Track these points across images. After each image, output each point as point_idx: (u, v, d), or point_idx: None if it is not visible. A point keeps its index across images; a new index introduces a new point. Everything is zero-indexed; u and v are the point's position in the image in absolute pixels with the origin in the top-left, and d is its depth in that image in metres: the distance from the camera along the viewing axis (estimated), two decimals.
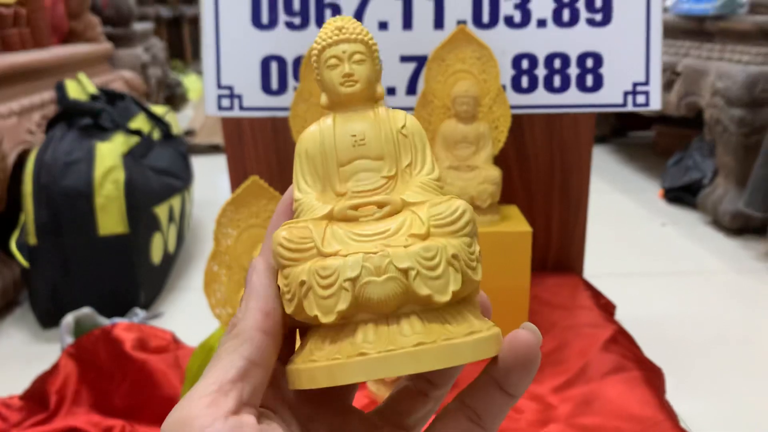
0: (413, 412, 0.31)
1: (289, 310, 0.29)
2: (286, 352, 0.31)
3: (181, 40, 4.85)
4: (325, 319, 0.27)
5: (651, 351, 0.88)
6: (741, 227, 1.71)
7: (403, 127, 0.32)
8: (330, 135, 0.32)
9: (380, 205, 0.30)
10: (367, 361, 0.26)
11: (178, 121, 1.94)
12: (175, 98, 3.71)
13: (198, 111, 3.38)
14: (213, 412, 0.25)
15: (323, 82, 0.32)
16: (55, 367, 1.03)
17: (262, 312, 0.28)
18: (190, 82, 4.07)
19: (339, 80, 0.32)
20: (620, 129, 2.87)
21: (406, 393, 0.31)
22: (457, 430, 0.28)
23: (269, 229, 0.32)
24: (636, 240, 1.77)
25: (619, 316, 1.00)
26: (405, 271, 0.27)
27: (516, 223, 0.84)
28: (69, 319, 1.14)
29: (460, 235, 0.29)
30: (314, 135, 0.32)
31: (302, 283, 0.28)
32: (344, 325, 0.28)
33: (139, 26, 2.89)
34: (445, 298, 0.27)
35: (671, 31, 2.03)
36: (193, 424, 0.25)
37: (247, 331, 0.27)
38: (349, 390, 0.32)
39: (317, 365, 0.27)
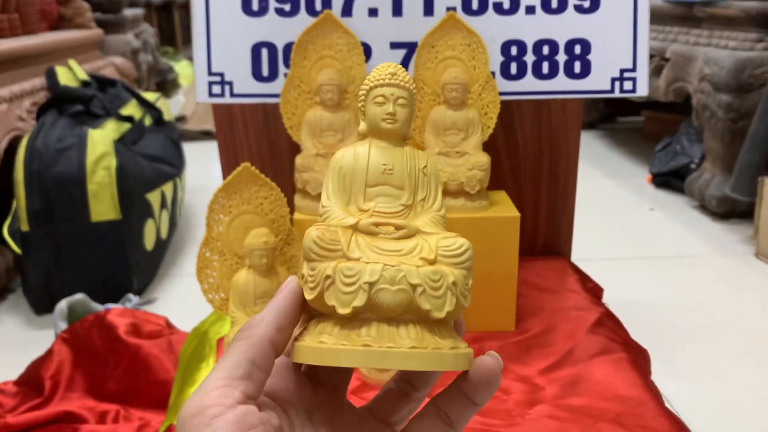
0: (396, 411, 0.35)
1: (309, 296, 0.33)
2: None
3: (172, 26, 4.83)
4: (341, 310, 0.32)
5: (638, 334, 0.89)
6: (727, 211, 1.73)
7: (424, 167, 0.38)
8: (364, 159, 0.37)
9: (398, 228, 0.35)
10: (369, 352, 0.31)
11: (170, 107, 1.94)
12: (167, 84, 3.69)
13: (189, 97, 3.37)
14: (223, 401, 0.29)
15: (366, 114, 0.38)
16: (49, 353, 1.04)
17: (275, 326, 0.32)
18: (181, 68, 4.05)
19: (382, 116, 0.37)
20: (609, 115, 2.88)
21: (391, 394, 0.36)
22: (431, 428, 0.34)
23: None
24: (624, 225, 1.79)
25: (607, 299, 1.02)
26: (414, 287, 0.32)
27: (504, 209, 0.86)
28: (62, 305, 1.15)
29: (461, 268, 0.34)
30: (349, 156, 0.37)
31: (327, 277, 0.32)
32: (351, 320, 0.32)
33: (129, 12, 2.87)
34: (441, 315, 0.33)
35: (660, 17, 2.04)
36: (206, 412, 0.29)
37: (257, 337, 0.31)
38: (343, 386, 0.36)
39: (326, 347, 0.32)
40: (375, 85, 0.38)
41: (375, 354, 0.31)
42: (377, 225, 0.35)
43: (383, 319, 0.32)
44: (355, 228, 0.35)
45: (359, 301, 0.32)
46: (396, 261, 0.33)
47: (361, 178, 0.36)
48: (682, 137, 2.02)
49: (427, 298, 0.32)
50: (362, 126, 0.38)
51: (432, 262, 0.34)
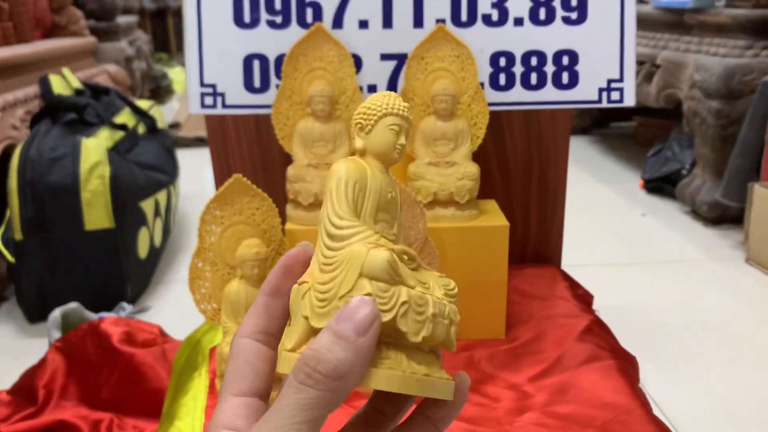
0: None
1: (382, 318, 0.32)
2: None
3: (166, 32, 4.83)
4: (413, 339, 0.32)
5: (630, 339, 0.90)
6: (718, 217, 1.75)
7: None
8: (378, 180, 0.36)
9: (411, 258, 0.35)
10: (429, 382, 0.32)
11: (164, 114, 1.95)
12: (161, 90, 3.70)
13: (183, 103, 3.38)
14: None
15: (374, 135, 0.37)
16: (42, 362, 1.04)
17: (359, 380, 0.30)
18: (175, 74, 4.06)
19: (396, 145, 0.37)
20: (602, 120, 2.90)
21: (360, 423, 0.35)
22: None
23: (271, 283, 0.35)
24: (616, 230, 1.80)
25: (599, 305, 1.03)
26: (452, 322, 0.34)
27: (494, 218, 0.86)
28: (56, 313, 1.15)
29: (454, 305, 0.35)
30: (363, 171, 0.36)
31: (404, 303, 0.32)
32: (396, 345, 0.32)
33: (122, 19, 2.88)
34: (454, 350, 0.35)
35: (651, 24, 2.06)
36: None
37: (342, 393, 0.29)
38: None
39: (395, 373, 0.31)
40: (393, 113, 0.37)
41: (430, 384, 0.32)
42: (403, 252, 0.35)
43: (412, 348, 0.33)
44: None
45: (426, 331, 0.32)
46: (438, 295, 0.34)
47: (375, 199, 0.36)
48: (674, 143, 2.03)
49: (455, 333, 0.34)
50: (360, 143, 0.37)
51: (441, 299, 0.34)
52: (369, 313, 0.30)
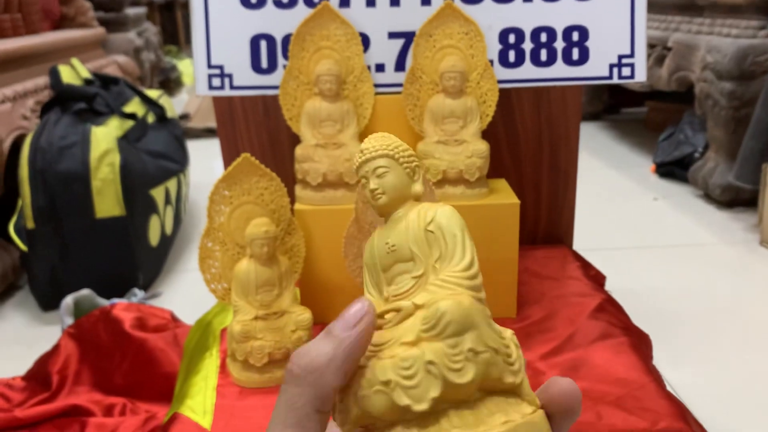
0: None
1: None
2: None
3: (175, 24, 4.84)
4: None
5: (642, 322, 0.89)
6: (731, 200, 1.73)
7: (429, 223, 0.34)
8: (373, 247, 0.35)
9: (397, 310, 0.32)
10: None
11: (174, 106, 1.95)
12: (170, 83, 3.71)
13: (193, 95, 3.38)
14: None
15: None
16: (56, 348, 1.05)
17: (344, 372, 0.29)
18: (184, 66, 4.07)
19: (371, 196, 0.36)
20: (613, 106, 2.88)
21: None
22: None
23: None
24: (629, 215, 1.79)
25: (612, 288, 1.01)
26: (386, 383, 0.29)
27: (504, 196, 0.86)
28: (68, 300, 1.16)
29: (443, 338, 0.29)
30: (368, 247, 0.36)
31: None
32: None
33: (131, 11, 2.88)
34: (422, 406, 0.29)
35: (662, 6, 2.04)
36: None
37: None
38: None
39: None
40: (355, 170, 0.37)
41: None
42: (381, 316, 0.32)
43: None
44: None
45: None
46: (373, 359, 0.30)
47: (376, 266, 0.35)
48: (686, 126, 2.01)
49: (404, 391, 0.29)
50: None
51: (414, 344, 0.30)
52: (358, 309, 0.29)
